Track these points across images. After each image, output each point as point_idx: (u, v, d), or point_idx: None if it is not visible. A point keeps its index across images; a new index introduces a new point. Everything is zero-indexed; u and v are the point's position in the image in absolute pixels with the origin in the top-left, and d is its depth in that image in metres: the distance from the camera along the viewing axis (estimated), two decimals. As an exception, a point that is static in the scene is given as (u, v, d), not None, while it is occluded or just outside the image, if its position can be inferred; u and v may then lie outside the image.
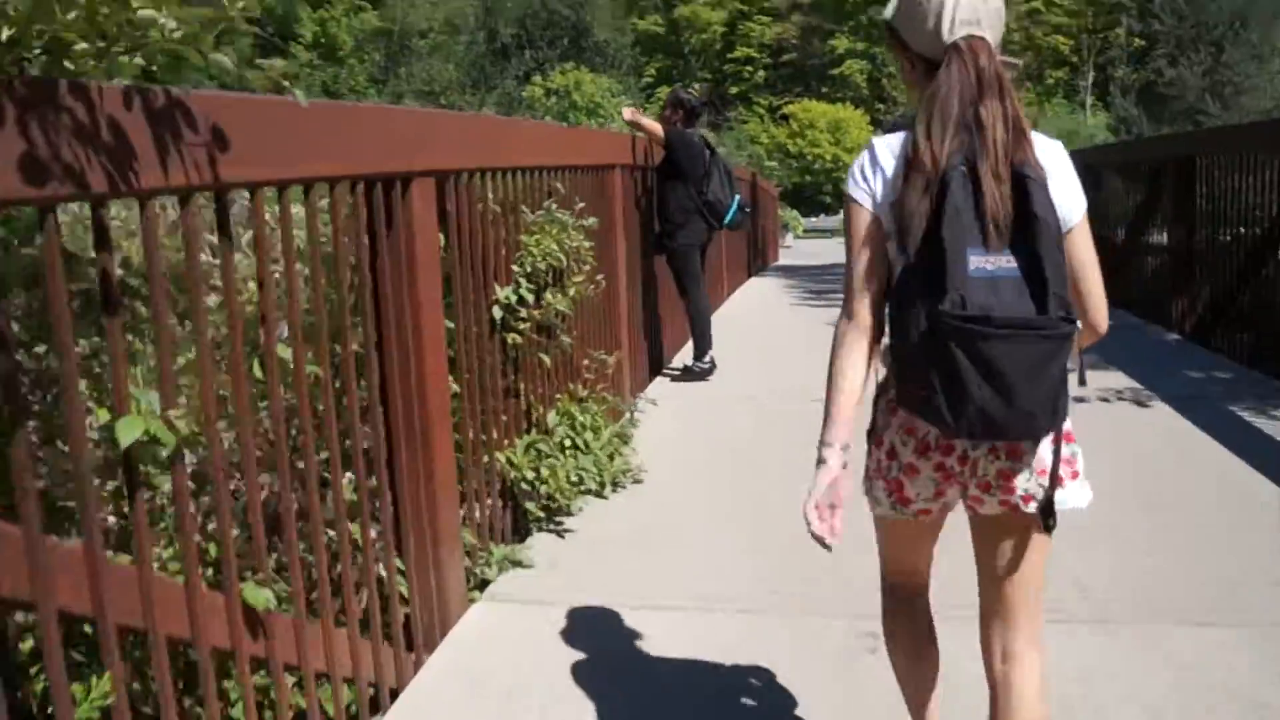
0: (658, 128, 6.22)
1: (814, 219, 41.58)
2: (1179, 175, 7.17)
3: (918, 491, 1.90)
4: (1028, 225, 1.72)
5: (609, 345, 4.94)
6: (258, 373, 2.14)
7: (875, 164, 1.91)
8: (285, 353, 2.15)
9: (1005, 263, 1.71)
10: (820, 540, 1.82)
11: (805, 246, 32.49)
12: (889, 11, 1.99)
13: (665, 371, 6.63)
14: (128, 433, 1.65)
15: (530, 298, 3.41)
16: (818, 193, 52.30)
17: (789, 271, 15.15)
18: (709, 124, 60.53)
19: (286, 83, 1.89)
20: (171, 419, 1.72)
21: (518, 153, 3.62)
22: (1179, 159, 7.16)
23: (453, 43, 60.09)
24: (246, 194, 2.17)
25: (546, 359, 3.52)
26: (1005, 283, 1.69)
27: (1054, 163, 1.85)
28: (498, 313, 3.27)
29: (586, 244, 3.86)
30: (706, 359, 6.31)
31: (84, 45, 1.53)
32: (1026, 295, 1.69)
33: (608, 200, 5.10)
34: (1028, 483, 1.85)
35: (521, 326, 3.38)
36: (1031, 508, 1.85)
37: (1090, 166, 9.87)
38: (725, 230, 6.75)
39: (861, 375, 1.88)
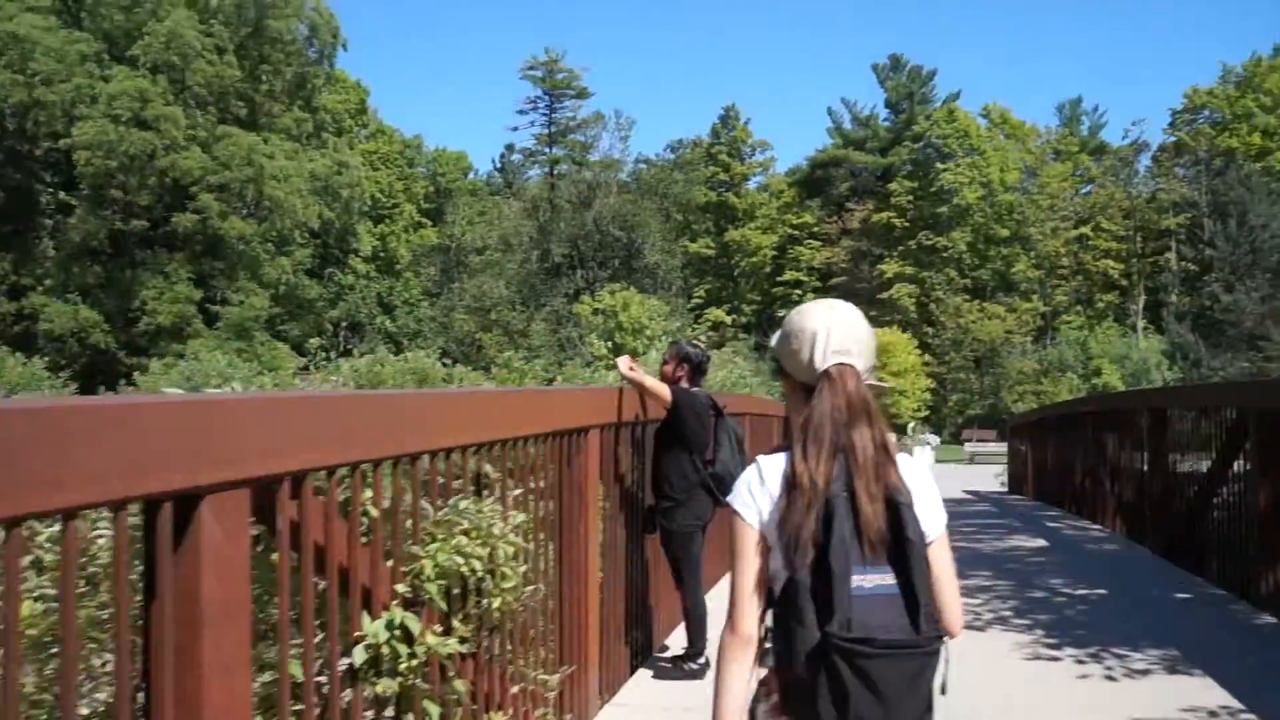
0: (662, 388, 5.30)
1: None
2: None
3: None
4: (900, 546, 1.88)
5: (569, 654, 4.03)
6: None
7: (762, 483, 2.04)
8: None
9: (882, 580, 1.88)
10: None
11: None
12: (773, 341, 2.22)
13: (656, 656, 5.66)
14: None
15: (417, 628, 2.56)
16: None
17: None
18: (755, 345, 60.71)
19: None
20: None
21: (424, 433, 2.83)
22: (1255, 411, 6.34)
23: (506, 260, 61.23)
24: None
25: (434, 710, 2.59)
26: (883, 600, 1.86)
27: (916, 480, 2.02)
28: (361, 655, 2.42)
29: (517, 543, 3.01)
30: (702, 659, 5.32)
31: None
32: (902, 611, 1.86)
33: (579, 471, 4.27)
34: None
35: (404, 666, 2.53)
36: None
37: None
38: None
39: (745, 688, 2.01)
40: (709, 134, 69.61)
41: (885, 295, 61.05)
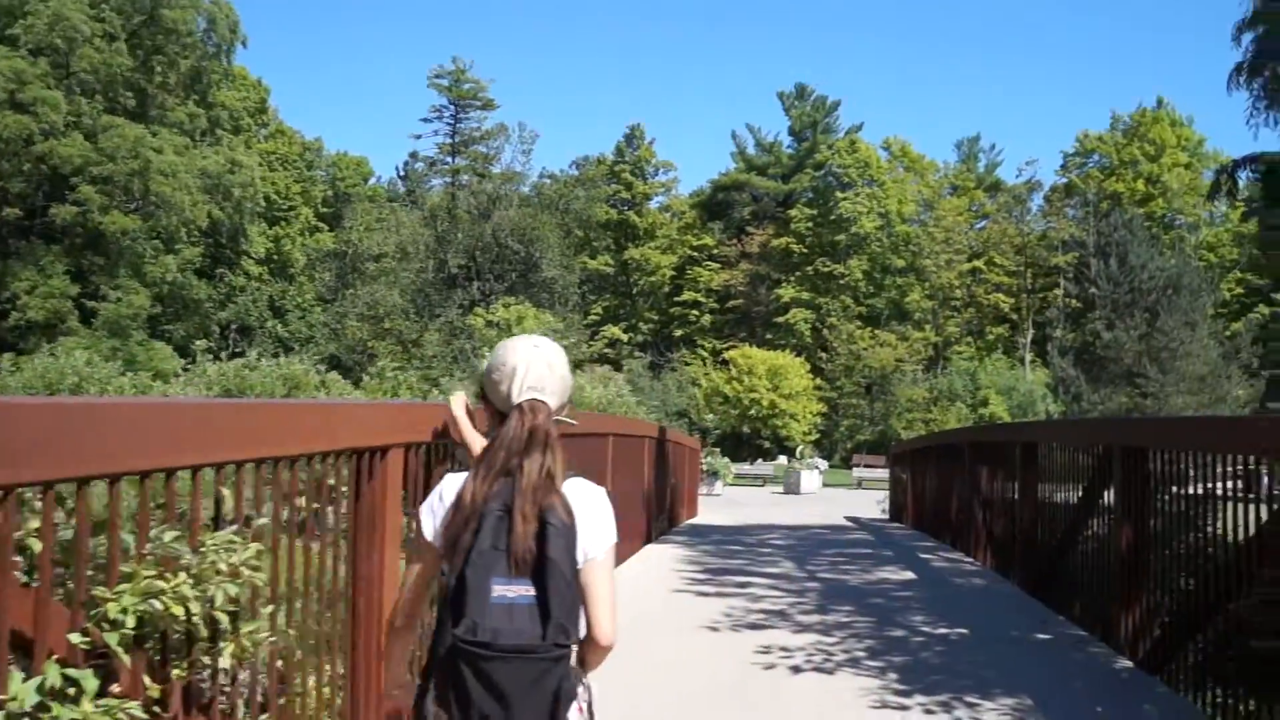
0: (475, 443, 3.42)
1: (745, 465, 40.55)
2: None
3: None
4: (543, 563, 2.11)
5: (362, 695, 3.56)
6: None
7: (441, 498, 2.29)
8: None
9: (524, 591, 2.10)
10: None
11: (735, 493, 31.39)
12: (482, 369, 2.47)
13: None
14: None
15: (93, 686, 2.07)
16: (755, 438, 51.64)
17: (699, 534, 13.82)
18: (650, 364, 60.52)
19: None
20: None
21: (144, 448, 2.35)
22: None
23: (401, 268, 60.17)
24: None
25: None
26: (521, 609, 2.09)
27: (588, 506, 2.24)
28: (5, 722, 1.94)
29: (254, 579, 2.52)
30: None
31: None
32: (537, 619, 2.08)
33: (376, 495, 3.78)
34: None
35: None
36: None
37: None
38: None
39: (403, 667, 2.52)
40: (613, 152, 69.38)
41: (781, 319, 61.41)
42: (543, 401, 2.26)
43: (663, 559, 10.39)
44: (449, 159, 70.89)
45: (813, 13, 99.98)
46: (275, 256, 69.43)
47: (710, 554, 11.02)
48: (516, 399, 2.25)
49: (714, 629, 6.79)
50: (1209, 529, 5.33)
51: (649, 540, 12.06)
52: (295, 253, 70.38)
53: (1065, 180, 64.95)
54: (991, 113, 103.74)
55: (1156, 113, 63.69)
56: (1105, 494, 6.71)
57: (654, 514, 12.72)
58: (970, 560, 10.60)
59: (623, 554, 10.10)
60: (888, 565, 10.18)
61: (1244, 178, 12.09)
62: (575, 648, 2.16)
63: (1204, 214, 63.05)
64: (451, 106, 70.13)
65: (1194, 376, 35.76)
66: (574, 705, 2.15)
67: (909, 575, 9.47)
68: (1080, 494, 7.17)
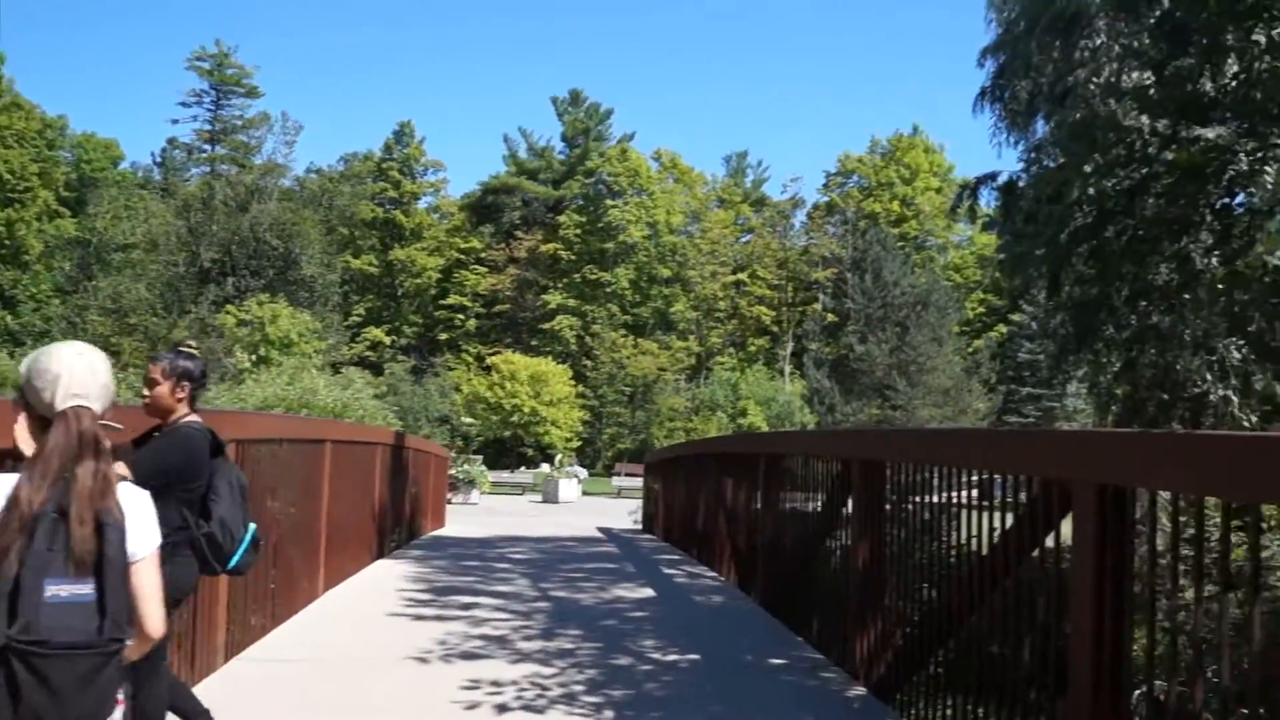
0: (26, 447, 2.60)
1: (505, 473, 39.81)
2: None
3: None
4: (101, 563, 2.19)
5: None
6: None
7: None
8: None
9: (79, 590, 2.16)
10: None
11: (493, 502, 30.60)
12: (22, 372, 2.40)
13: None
14: None
15: None
16: (520, 445, 50.97)
17: (439, 547, 13.00)
18: (412, 369, 58.96)
19: None
20: None
21: None
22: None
23: (150, 260, 56.60)
24: None
25: None
26: (77, 607, 2.15)
27: (134, 508, 2.32)
28: None
29: None
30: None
31: None
32: (93, 616, 2.16)
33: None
34: None
35: None
36: None
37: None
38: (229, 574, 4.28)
39: None
40: (381, 149, 67.34)
41: (547, 326, 60.97)
42: (87, 408, 2.29)
43: (388, 577, 9.55)
44: (208, 146, 67.30)
45: (588, 19, 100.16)
46: (6, 242, 64.17)
47: (442, 570, 10.24)
48: (60, 405, 2.27)
49: (423, 660, 6.05)
50: (943, 545, 4.98)
51: (380, 555, 11.19)
52: (31, 239, 65.21)
53: (827, 199, 67.10)
54: (760, 130, 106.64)
55: (912, 138, 66.69)
56: (844, 508, 6.35)
57: (387, 526, 11.84)
58: (714, 575, 10.22)
59: (345, 571, 9.24)
60: (628, 582, 9.65)
61: (985, 197, 12.17)
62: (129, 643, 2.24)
63: (952, 237, 66.39)
64: (212, 92, 66.69)
65: (939, 390, 37.39)
66: (119, 696, 2.22)
67: (648, 593, 8.97)
68: (819, 508, 6.80)
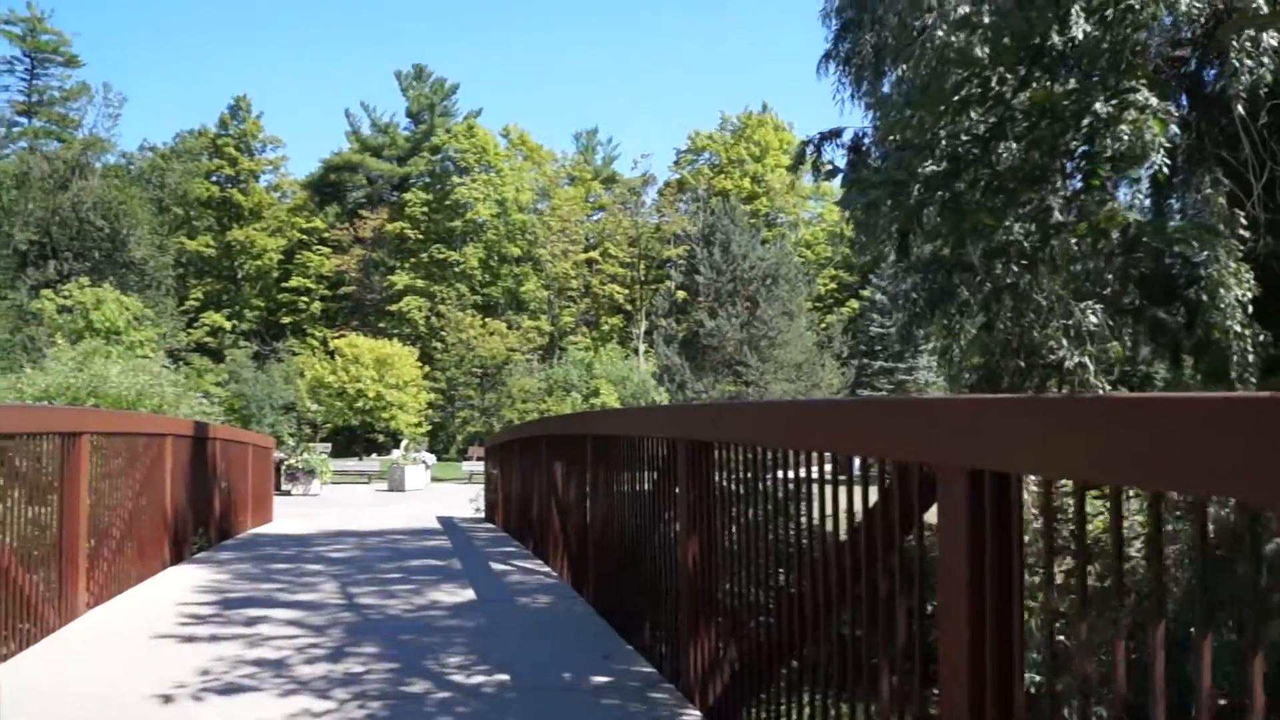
0: None
1: (351, 461, 38.26)
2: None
3: None
4: None
5: None
6: None
7: None
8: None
9: None
10: None
11: (336, 493, 29.22)
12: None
13: None
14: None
15: None
16: (369, 431, 49.29)
17: (252, 547, 11.80)
18: (254, 355, 56.50)
19: None
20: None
21: None
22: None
23: (-50, 242, 52.89)
24: None
25: None
26: None
27: None
28: None
29: None
30: None
31: None
32: None
33: None
34: None
35: None
36: None
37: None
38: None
39: None
40: (216, 124, 64.29)
41: (395, 307, 59.21)
42: None
43: (174, 588, 8.38)
44: (24, 120, 63.22)
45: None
46: None
47: (242, 577, 9.10)
48: None
49: (168, 698, 4.99)
50: (782, 536, 4.16)
51: (178, 560, 9.98)
52: None
53: (678, 176, 66.75)
54: (609, 107, 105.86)
55: (761, 116, 66.84)
56: (673, 497, 5.49)
57: (186, 528, 10.61)
58: (548, 571, 9.33)
59: (121, 584, 8.06)
60: (450, 583, 8.68)
61: (829, 154, 11.56)
62: None
63: (802, 214, 66.76)
64: (26, 59, 62.61)
65: (791, 364, 37.21)
66: None
67: (468, 595, 8.02)
68: (647, 496, 5.95)
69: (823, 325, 43.57)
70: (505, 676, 5.41)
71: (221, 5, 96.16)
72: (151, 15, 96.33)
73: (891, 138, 7.85)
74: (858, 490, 3.36)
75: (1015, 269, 7.60)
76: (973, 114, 6.63)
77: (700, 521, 4.93)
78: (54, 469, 6.95)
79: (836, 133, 11.28)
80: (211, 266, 63.47)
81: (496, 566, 9.88)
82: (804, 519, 3.91)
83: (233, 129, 63.62)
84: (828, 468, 3.91)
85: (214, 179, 63.01)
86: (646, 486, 6.02)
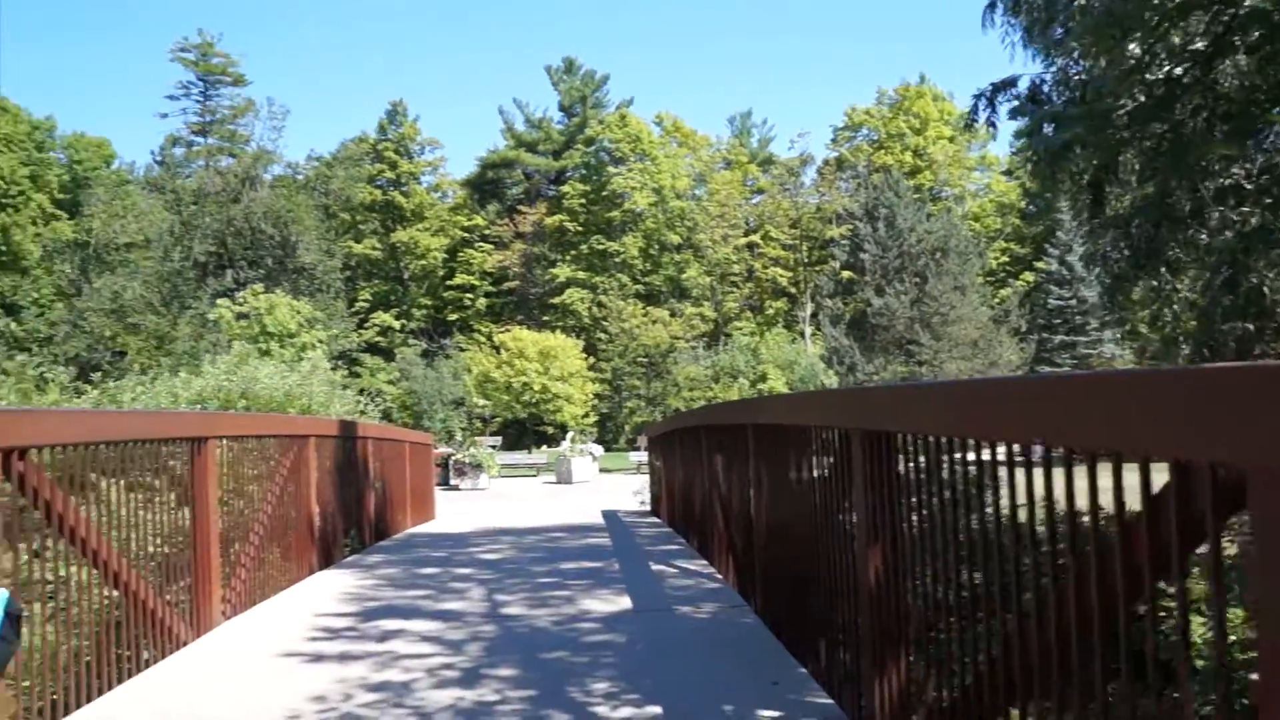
0: None
1: (519, 454, 38.26)
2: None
3: None
4: None
5: None
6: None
7: None
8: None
9: None
10: None
11: (504, 486, 29.14)
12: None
13: None
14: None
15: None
16: (538, 424, 49.44)
17: (407, 548, 11.37)
18: (423, 352, 57.41)
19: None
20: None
21: None
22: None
23: (143, 257, 55.22)
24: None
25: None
26: None
27: None
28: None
29: None
30: None
31: None
32: None
33: None
34: None
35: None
36: None
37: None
38: None
39: None
40: (375, 130, 65.63)
41: (558, 300, 59.34)
42: None
43: (315, 596, 7.92)
44: (201, 139, 65.71)
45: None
46: (3, 248, 62.94)
47: (387, 583, 8.60)
48: None
49: (277, 736, 4.41)
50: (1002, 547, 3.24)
51: (326, 565, 9.59)
52: (28, 243, 63.96)
53: (836, 154, 65.07)
54: (762, 88, 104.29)
55: (919, 88, 64.62)
56: (850, 496, 4.59)
57: (335, 531, 10.23)
58: (711, 573, 8.54)
59: (264, 591, 7.65)
60: (605, 588, 7.97)
61: (1004, 104, 10.43)
62: None
63: (969, 185, 64.28)
64: (199, 83, 65.03)
65: (966, 341, 35.33)
66: None
67: (623, 603, 7.29)
68: (817, 495, 5.08)
69: (996, 300, 41.53)
70: (657, 709, 4.63)
71: (373, 14, 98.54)
72: (308, 30, 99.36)
73: (1083, 66, 6.76)
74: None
75: (1246, 215, 6.43)
76: (1187, 24, 5.54)
77: (881, 529, 4.05)
78: (183, 476, 6.54)
79: (1010, 82, 10.17)
80: (378, 268, 64.84)
81: (656, 568, 9.14)
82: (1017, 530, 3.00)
83: (391, 133, 64.81)
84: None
85: (376, 183, 64.29)
86: (818, 483, 5.15)
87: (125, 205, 57.51)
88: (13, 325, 61.50)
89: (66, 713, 4.59)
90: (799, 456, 5.47)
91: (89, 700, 4.86)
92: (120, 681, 5.20)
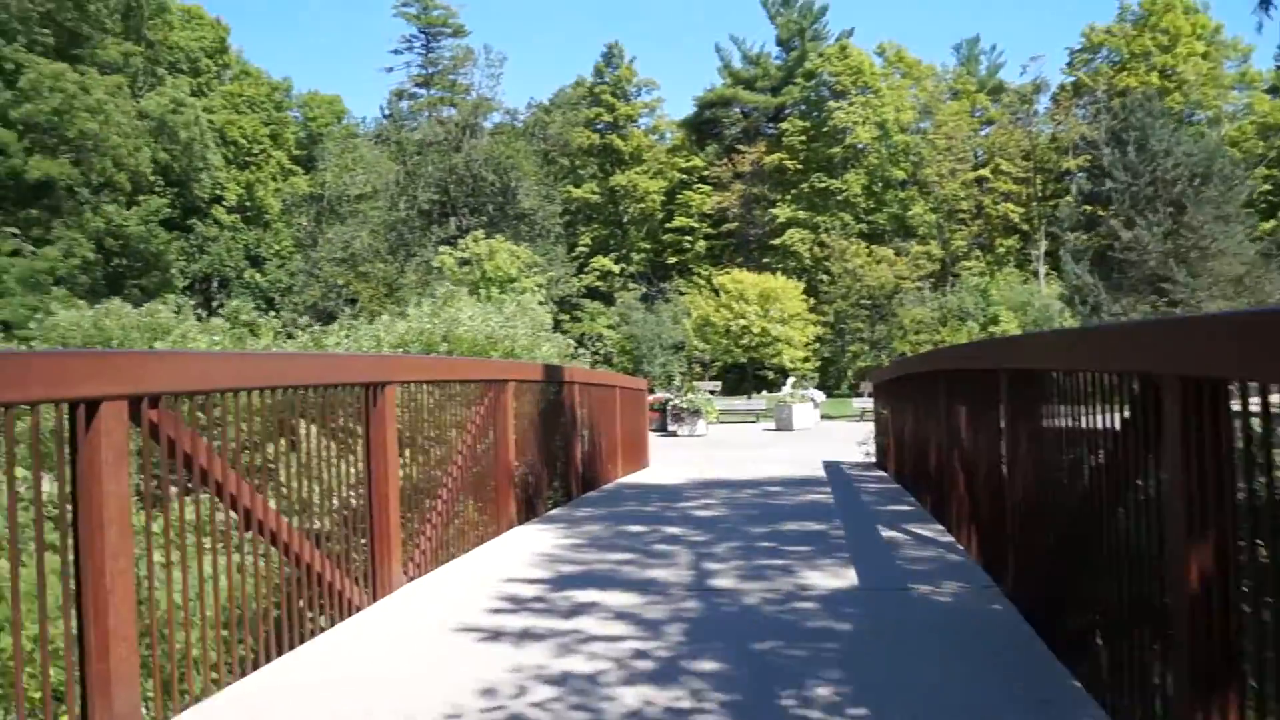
0: None
1: (738, 400, 37.41)
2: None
3: None
4: None
5: None
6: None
7: None
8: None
9: None
10: None
11: (723, 433, 28.44)
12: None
13: None
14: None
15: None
16: (759, 368, 48.54)
17: (614, 501, 10.71)
18: (642, 296, 57.24)
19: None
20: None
21: None
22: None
23: (370, 207, 56.96)
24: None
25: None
26: None
27: None
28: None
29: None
30: None
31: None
32: None
33: None
34: None
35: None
36: None
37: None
38: None
39: None
40: (592, 73, 65.49)
41: (778, 241, 58.02)
42: None
43: (508, 556, 7.28)
44: (422, 91, 67.18)
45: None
46: (248, 203, 66.24)
47: (587, 543, 7.89)
48: None
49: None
50: None
51: (528, 518, 9.00)
52: (269, 199, 67.19)
53: (1073, 79, 60.95)
54: (990, 11, 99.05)
55: (1168, 0, 59.54)
56: (1149, 459, 3.44)
57: (538, 482, 9.62)
58: (950, 542, 7.45)
59: (458, 546, 7.10)
60: (827, 557, 7.01)
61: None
62: None
63: (1225, 106, 59.14)
64: (422, 35, 66.38)
65: (1229, 278, 31.82)
66: None
67: (849, 578, 6.30)
68: (1102, 458, 3.95)
69: (1263, 233, 37.47)
70: (894, 730, 3.66)
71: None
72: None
73: None
74: None
75: None
76: None
77: (1209, 493, 2.94)
78: (358, 425, 5.94)
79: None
80: (598, 212, 64.97)
81: (885, 533, 8.10)
82: None
83: (608, 76, 64.53)
84: None
85: (594, 127, 64.25)
86: (1096, 445, 4.02)
87: (355, 158, 59.35)
88: (257, 276, 64.73)
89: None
90: (1075, 412, 4.33)
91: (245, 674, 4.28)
92: (299, 645, 4.63)
